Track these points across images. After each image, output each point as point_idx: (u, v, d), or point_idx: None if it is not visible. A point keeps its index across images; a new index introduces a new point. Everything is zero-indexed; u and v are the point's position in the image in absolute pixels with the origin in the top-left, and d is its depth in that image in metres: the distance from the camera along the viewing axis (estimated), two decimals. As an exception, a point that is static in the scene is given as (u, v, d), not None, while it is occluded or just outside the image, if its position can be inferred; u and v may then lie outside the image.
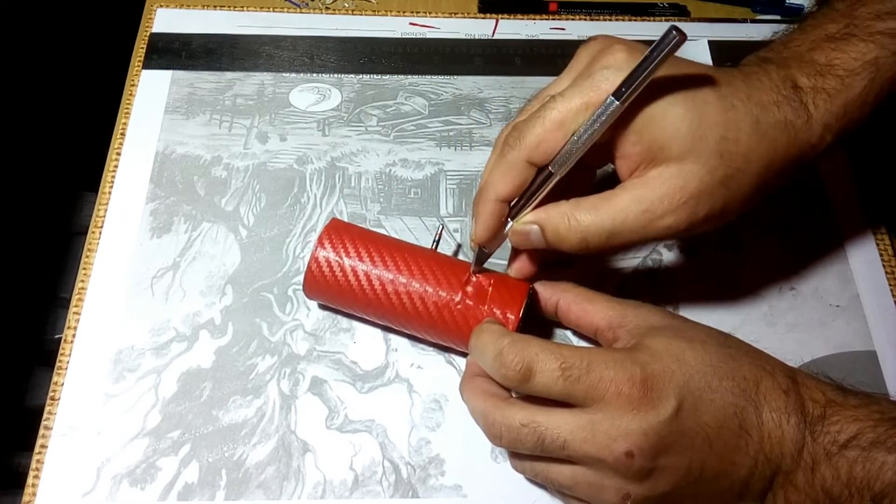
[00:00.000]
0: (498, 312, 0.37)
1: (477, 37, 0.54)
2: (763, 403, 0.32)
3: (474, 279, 0.38)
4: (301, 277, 0.44)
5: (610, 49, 0.33)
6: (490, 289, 0.38)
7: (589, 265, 0.45)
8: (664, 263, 0.46)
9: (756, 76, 0.34)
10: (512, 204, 0.36)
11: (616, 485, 0.31)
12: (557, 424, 0.31)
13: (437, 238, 0.42)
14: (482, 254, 0.38)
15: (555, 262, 0.40)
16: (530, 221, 0.35)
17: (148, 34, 0.53)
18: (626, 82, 0.30)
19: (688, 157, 0.32)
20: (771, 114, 0.33)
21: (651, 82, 0.30)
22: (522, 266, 0.38)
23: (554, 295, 0.38)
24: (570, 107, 0.32)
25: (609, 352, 0.33)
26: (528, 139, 0.33)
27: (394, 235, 0.46)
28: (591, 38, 0.35)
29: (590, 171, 0.39)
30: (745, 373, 0.32)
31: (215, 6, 0.55)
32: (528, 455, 0.34)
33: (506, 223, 0.36)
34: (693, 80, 0.32)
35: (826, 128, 0.34)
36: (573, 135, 0.32)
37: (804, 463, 0.31)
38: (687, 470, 0.31)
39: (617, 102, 0.30)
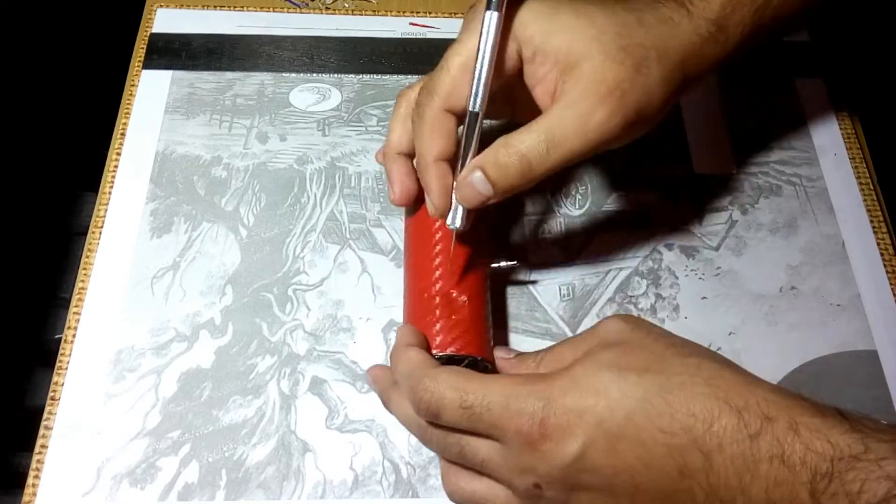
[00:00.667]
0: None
1: (477, 36, 0.54)
2: (716, 449, 0.26)
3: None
4: (300, 277, 0.44)
5: None
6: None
7: (589, 260, 0.45)
8: (664, 263, 0.46)
9: None
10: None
11: None
12: (477, 445, 0.31)
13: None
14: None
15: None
16: (470, 170, 0.34)
17: (148, 34, 0.53)
18: None
19: (594, 55, 0.32)
20: (650, 13, 0.34)
21: (534, 3, 0.33)
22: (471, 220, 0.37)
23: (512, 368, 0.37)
24: (468, 46, 0.33)
25: (516, 385, 0.30)
26: (440, 90, 0.34)
27: (394, 235, 0.46)
28: None
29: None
30: (693, 409, 0.27)
31: (215, 6, 0.55)
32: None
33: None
34: None
35: (708, 21, 0.35)
36: (476, 64, 0.33)
37: None
38: None
39: (493, 12, 0.31)
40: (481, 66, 0.33)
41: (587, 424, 0.28)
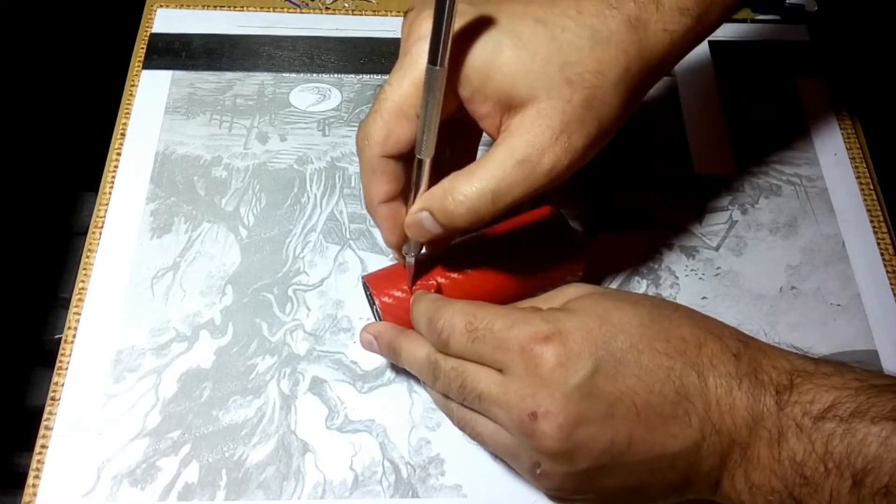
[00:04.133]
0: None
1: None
2: (708, 367, 0.29)
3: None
4: (300, 278, 0.44)
5: (419, 17, 0.31)
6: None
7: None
8: (664, 263, 0.46)
9: None
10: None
11: (527, 451, 0.29)
12: (478, 377, 0.30)
13: None
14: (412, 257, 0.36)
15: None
16: (418, 209, 0.33)
17: (148, 34, 0.53)
18: (433, 44, 0.28)
19: (539, 95, 0.30)
20: (609, 19, 0.31)
21: (470, 32, 0.29)
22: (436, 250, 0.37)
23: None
24: (400, 92, 0.31)
25: (521, 311, 0.31)
26: (374, 137, 0.32)
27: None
28: (408, 10, 0.32)
29: (472, 129, 0.36)
30: (683, 334, 0.29)
31: (215, 6, 0.55)
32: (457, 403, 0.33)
33: None
34: (514, 18, 0.30)
35: (682, 12, 0.31)
36: (417, 117, 0.31)
37: (767, 435, 0.28)
38: (610, 444, 0.28)
39: (436, 68, 0.28)
40: (426, 121, 0.30)
41: (594, 345, 0.28)
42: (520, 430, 0.29)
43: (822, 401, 0.28)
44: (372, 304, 0.40)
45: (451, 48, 0.28)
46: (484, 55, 0.30)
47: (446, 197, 0.31)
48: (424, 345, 0.34)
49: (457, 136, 0.33)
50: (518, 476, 0.38)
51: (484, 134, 0.36)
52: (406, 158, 0.33)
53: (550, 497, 0.32)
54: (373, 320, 0.41)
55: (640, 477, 0.29)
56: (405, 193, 0.34)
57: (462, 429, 0.33)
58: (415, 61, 0.30)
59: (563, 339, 0.28)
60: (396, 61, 0.32)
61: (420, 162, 0.32)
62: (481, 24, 0.30)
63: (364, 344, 0.38)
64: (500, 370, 0.30)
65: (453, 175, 0.32)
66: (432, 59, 0.28)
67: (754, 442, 0.28)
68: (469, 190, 0.31)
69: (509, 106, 0.31)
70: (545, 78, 0.30)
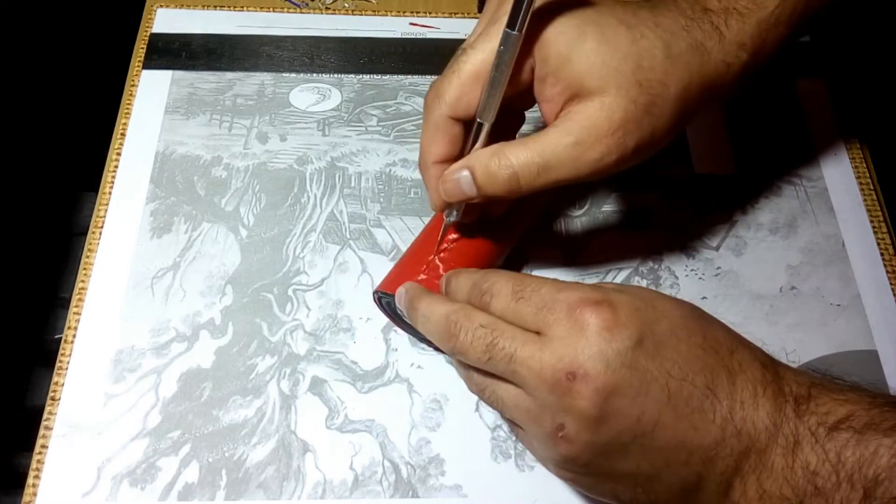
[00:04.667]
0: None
1: (477, 36, 0.54)
2: (737, 370, 0.29)
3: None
4: (300, 278, 0.44)
5: None
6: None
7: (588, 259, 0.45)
8: (664, 263, 0.46)
9: (664, 4, 0.34)
10: None
11: (553, 412, 0.29)
12: (513, 335, 0.30)
13: None
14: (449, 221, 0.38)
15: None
16: (460, 167, 0.34)
17: (148, 34, 0.53)
18: (514, 9, 0.30)
19: (608, 90, 0.31)
20: (681, 38, 0.33)
21: (556, 11, 0.31)
22: (472, 216, 0.38)
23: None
24: (481, 57, 0.32)
25: (571, 284, 0.31)
26: (447, 97, 0.33)
27: (394, 235, 0.46)
28: None
29: (518, 117, 0.39)
30: (718, 336, 0.30)
31: (215, 6, 0.55)
32: (475, 367, 0.32)
33: None
34: (600, 14, 0.32)
35: (740, 47, 0.34)
36: (489, 79, 0.32)
37: (784, 442, 0.28)
38: (636, 420, 0.28)
39: (513, 33, 0.30)
40: (495, 84, 0.32)
41: (639, 322, 0.29)
42: (553, 389, 0.28)
43: (838, 412, 0.28)
44: (399, 317, 0.40)
45: (537, 24, 0.31)
46: (567, 40, 0.31)
47: (492, 158, 0.33)
48: (446, 302, 0.33)
49: (500, 120, 0.34)
50: (518, 476, 0.38)
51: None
52: (469, 125, 0.34)
53: (559, 470, 0.31)
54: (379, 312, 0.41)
55: (654, 464, 0.29)
56: (458, 158, 0.35)
57: (478, 393, 0.33)
58: (501, 30, 0.31)
59: (612, 308, 0.29)
60: (480, 19, 0.35)
61: (479, 125, 0.33)
62: (568, 8, 0.32)
63: (397, 299, 0.37)
64: (537, 332, 0.30)
65: (503, 143, 0.33)
66: (511, 23, 0.30)
67: (771, 449, 0.28)
68: (517, 157, 0.32)
69: (577, 94, 0.32)
70: (619, 75, 0.31)
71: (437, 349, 0.42)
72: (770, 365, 0.30)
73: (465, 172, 0.34)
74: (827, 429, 0.28)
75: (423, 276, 0.38)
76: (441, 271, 0.38)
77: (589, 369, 0.28)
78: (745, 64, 0.34)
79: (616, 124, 0.31)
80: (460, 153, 0.35)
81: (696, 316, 0.31)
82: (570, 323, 0.29)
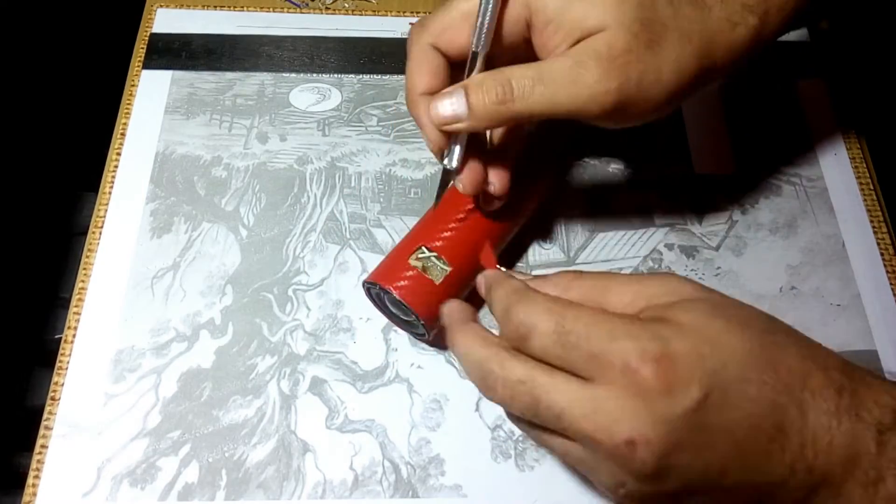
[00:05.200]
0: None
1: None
2: (809, 402, 0.26)
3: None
4: (300, 278, 0.44)
5: None
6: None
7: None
8: (664, 263, 0.46)
9: None
10: None
11: (612, 470, 0.27)
12: (557, 389, 0.27)
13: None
14: (446, 174, 0.37)
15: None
16: (451, 88, 0.33)
17: (148, 34, 0.53)
18: None
19: (610, 25, 0.31)
20: None
21: None
22: (472, 175, 0.36)
23: (560, 294, 0.31)
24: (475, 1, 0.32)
25: (623, 319, 0.27)
26: (431, 28, 0.34)
27: (394, 235, 0.46)
28: None
29: None
30: (790, 364, 0.27)
31: (215, 6, 0.55)
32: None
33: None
34: None
35: (745, 7, 0.33)
36: (480, 6, 0.32)
37: (863, 476, 0.26)
38: (702, 473, 0.26)
39: None
40: (486, 6, 0.32)
41: (705, 373, 0.26)
42: (611, 454, 0.26)
43: None
44: (391, 308, 0.40)
45: None
46: None
47: (486, 74, 0.32)
48: (482, 344, 0.29)
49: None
50: (518, 476, 0.38)
51: None
52: (453, 65, 0.34)
53: None
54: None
55: (720, 501, 0.28)
56: None
57: (527, 434, 0.31)
58: None
59: (673, 364, 0.25)
60: None
61: (474, 56, 0.33)
62: None
63: (442, 316, 0.34)
64: (586, 379, 0.27)
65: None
66: None
67: (848, 481, 0.26)
68: (512, 70, 0.32)
69: (579, 34, 0.32)
70: (619, 12, 0.31)
71: (438, 347, 0.42)
72: (847, 388, 0.27)
73: (459, 90, 0.33)
74: None
75: (412, 271, 0.38)
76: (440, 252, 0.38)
77: (651, 436, 0.25)
78: (754, 29, 0.33)
79: (616, 52, 0.31)
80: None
81: (766, 345, 0.27)
82: (625, 381, 0.26)
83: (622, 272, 0.45)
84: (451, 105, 0.33)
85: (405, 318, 0.40)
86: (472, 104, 0.32)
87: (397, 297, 0.37)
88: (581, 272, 0.32)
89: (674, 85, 0.32)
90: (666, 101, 0.33)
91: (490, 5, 0.32)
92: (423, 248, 0.39)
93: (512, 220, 0.42)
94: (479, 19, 0.32)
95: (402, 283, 0.38)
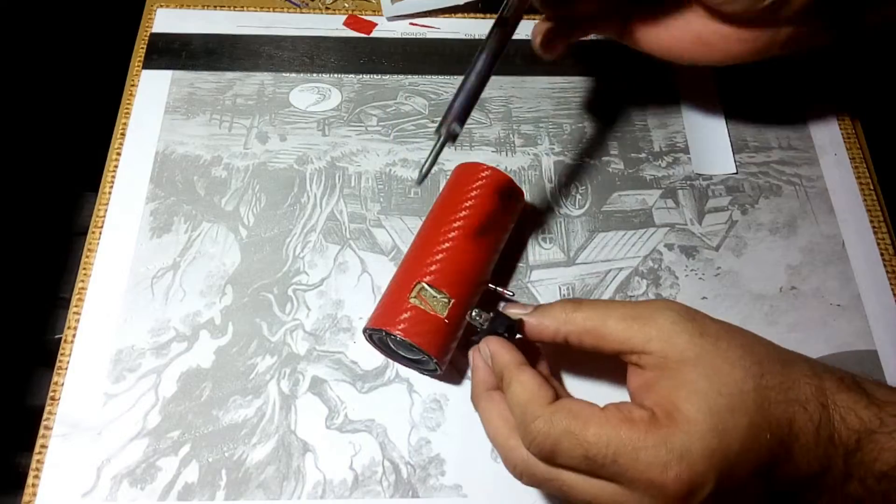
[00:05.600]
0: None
1: (477, 37, 0.54)
2: (794, 445, 0.30)
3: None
4: (300, 277, 0.44)
5: None
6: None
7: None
8: (664, 263, 0.46)
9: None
10: None
11: None
12: (583, 489, 0.31)
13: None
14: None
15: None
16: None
17: (148, 34, 0.53)
18: None
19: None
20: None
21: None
22: (549, 40, 0.37)
23: (559, 328, 0.34)
24: None
25: (639, 434, 0.30)
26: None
27: (394, 235, 0.46)
28: None
29: None
30: (779, 415, 0.30)
31: (215, 6, 0.55)
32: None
33: None
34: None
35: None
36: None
37: (832, 480, 0.30)
38: None
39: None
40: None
41: (715, 469, 0.29)
42: None
43: (884, 460, 0.30)
44: (396, 349, 0.40)
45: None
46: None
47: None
48: (508, 429, 0.33)
49: None
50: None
51: None
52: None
53: None
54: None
55: None
56: None
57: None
58: None
59: (692, 472, 0.29)
60: None
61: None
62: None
63: (472, 360, 0.37)
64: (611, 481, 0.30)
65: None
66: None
67: (819, 485, 0.31)
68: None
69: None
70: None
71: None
72: (824, 419, 0.30)
73: None
74: (874, 477, 0.30)
75: (412, 303, 0.38)
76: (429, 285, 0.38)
77: None
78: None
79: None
80: None
81: (761, 405, 0.30)
82: (651, 490, 0.29)
83: (621, 273, 0.45)
84: None
85: (412, 357, 0.40)
86: None
87: (407, 340, 0.37)
88: (580, 302, 0.34)
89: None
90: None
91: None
92: (422, 284, 0.38)
93: (497, 236, 0.42)
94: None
95: (407, 324, 0.37)
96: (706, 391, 0.30)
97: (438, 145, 0.34)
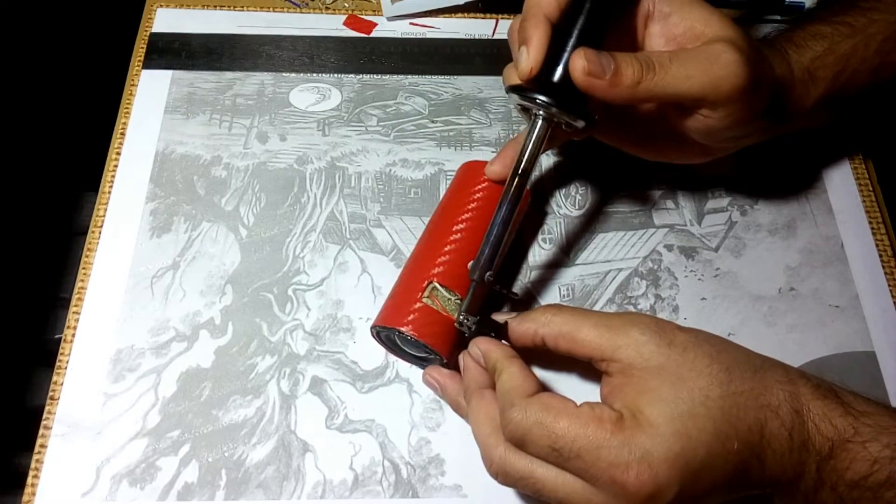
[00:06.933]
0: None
1: (477, 37, 0.54)
2: (767, 449, 0.31)
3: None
4: (300, 277, 0.44)
5: None
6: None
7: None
8: (664, 264, 0.46)
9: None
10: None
11: None
12: (555, 486, 0.32)
13: None
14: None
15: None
16: (604, 54, 0.35)
17: (148, 34, 0.53)
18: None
19: (735, 37, 0.36)
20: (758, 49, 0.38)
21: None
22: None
23: (537, 329, 0.36)
24: None
25: (604, 433, 0.31)
26: None
27: (394, 235, 0.46)
28: None
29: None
30: (749, 422, 0.31)
31: (215, 6, 0.55)
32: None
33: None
34: None
35: (802, 69, 0.40)
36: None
37: (805, 485, 0.31)
38: None
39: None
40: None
41: (678, 473, 0.30)
42: None
43: (855, 470, 0.31)
44: (402, 346, 0.40)
45: None
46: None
47: (629, 55, 0.35)
48: (491, 428, 0.34)
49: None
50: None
51: None
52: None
53: None
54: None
55: None
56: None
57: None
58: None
59: (653, 474, 0.30)
60: None
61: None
62: None
63: (427, 382, 0.40)
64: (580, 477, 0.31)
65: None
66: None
67: (794, 492, 0.32)
68: (651, 52, 0.37)
69: (701, 36, 0.37)
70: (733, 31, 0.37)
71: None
72: (797, 424, 0.31)
73: (608, 57, 0.35)
74: (846, 485, 0.31)
75: (422, 303, 0.38)
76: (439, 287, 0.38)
77: None
78: (805, 83, 0.41)
79: (746, 51, 0.36)
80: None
81: (728, 412, 0.31)
82: (615, 489, 0.30)
83: (621, 273, 0.45)
84: (600, 64, 0.34)
85: (418, 355, 0.40)
86: (622, 70, 0.35)
87: (421, 341, 0.37)
88: (561, 307, 0.36)
89: (770, 102, 0.38)
90: (763, 109, 0.38)
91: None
92: (434, 284, 0.38)
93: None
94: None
95: (420, 324, 0.37)
96: (669, 398, 0.31)
97: (472, 291, 0.37)
